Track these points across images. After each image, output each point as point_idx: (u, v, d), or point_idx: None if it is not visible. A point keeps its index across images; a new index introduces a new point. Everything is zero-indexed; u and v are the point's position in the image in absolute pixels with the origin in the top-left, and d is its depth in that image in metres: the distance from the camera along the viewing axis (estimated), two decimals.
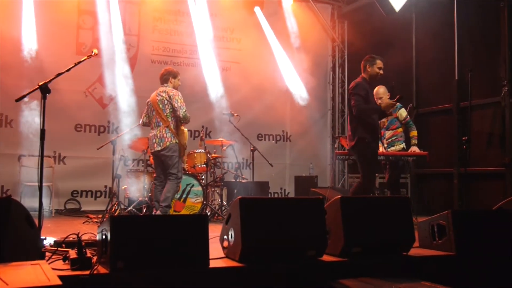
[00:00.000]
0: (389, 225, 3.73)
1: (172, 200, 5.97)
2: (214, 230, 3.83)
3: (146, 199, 6.93)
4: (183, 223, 3.18)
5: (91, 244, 3.37)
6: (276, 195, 10.02)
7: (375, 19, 9.11)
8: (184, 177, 6.72)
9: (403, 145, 6.82)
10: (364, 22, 10.07)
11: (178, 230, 3.10)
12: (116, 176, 7.06)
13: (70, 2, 8.64)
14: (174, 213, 6.67)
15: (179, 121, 5.99)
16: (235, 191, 7.77)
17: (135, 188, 7.20)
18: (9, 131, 7.97)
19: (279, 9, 10.29)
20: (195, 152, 7.28)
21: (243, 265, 3.20)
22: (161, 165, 6.04)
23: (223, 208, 7.33)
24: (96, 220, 6.61)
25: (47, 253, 3.20)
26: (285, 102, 10.26)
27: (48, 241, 3.76)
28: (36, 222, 3.20)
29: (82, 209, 8.35)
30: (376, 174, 6.89)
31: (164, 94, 5.97)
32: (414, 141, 6.75)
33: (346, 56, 11.07)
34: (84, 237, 3.44)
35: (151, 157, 6.74)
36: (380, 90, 6.70)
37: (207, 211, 7.13)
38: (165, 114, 5.94)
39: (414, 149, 6.68)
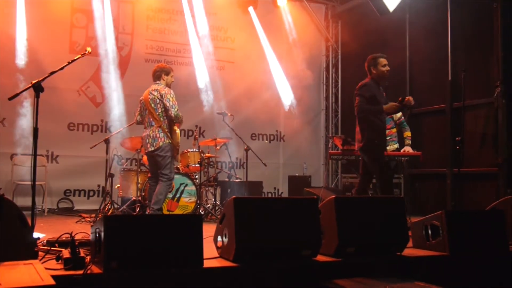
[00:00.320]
0: (383, 225, 3.74)
1: (164, 202, 5.89)
2: (208, 230, 3.82)
3: (140, 198, 6.90)
4: (177, 223, 3.17)
5: (85, 243, 3.36)
6: (269, 195, 10.04)
7: (369, 19, 9.14)
8: (177, 176, 6.71)
9: (396, 145, 6.85)
10: (358, 22, 10.10)
11: (172, 230, 3.08)
12: (109, 175, 7.04)
13: (64, 0, 8.60)
14: (168, 212, 6.65)
15: (172, 121, 5.89)
16: (229, 190, 7.78)
17: (128, 187, 7.18)
18: (1, 129, 7.93)
19: (273, 9, 10.32)
20: (188, 152, 7.26)
21: (237, 265, 3.19)
22: (155, 165, 5.99)
23: (217, 207, 7.31)
24: (89, 219, 6.57)
25: (40, 253, 3.18)
26: (278, 101, 10.28)
27: (41, 240, 3.73)
28: (29, 221, 3.18)
29: (75, 208, 8.34)
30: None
31: (155, 93, 5.81)
32: (408, 141, 6.77)
33: (339, 56, 11.10)
34: (77, 237, 3.43)
35: (144, 156, 6.71)
36: None
37: (200, 211, 7.11)
38: (157, 113, 5.81)
39: (408, 149, 6.70)
